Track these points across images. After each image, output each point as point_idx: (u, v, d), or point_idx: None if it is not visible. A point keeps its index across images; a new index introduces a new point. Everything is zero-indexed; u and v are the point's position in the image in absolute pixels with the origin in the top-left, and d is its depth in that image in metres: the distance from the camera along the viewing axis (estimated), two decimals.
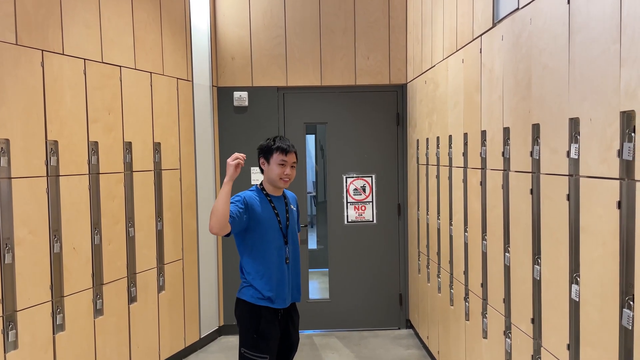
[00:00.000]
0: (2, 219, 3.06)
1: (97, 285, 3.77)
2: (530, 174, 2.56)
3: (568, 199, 2.20)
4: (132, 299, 4.13)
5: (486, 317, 3.22)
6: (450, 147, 3.88)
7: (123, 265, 4.04)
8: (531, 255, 2.57)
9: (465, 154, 3.54)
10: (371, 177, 5.57)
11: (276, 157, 3.06)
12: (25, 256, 3.20)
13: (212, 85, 5.34)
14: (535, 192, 2.52)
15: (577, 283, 2.16)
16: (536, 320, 2.56)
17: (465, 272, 3.60)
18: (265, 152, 3.09)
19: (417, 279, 5.12)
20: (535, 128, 2.50)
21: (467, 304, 3.58)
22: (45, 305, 3.35)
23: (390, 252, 5.60)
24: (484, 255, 3.23)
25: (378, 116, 5.55)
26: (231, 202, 2.92)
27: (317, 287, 6.63)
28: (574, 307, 2.19)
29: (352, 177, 5.57)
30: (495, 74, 3.00)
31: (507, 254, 2.87)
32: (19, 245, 3.16)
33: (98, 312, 3.78)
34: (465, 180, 3.56)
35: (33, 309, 3.25)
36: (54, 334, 3.40)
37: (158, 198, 4.48)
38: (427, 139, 4.58)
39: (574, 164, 2.16)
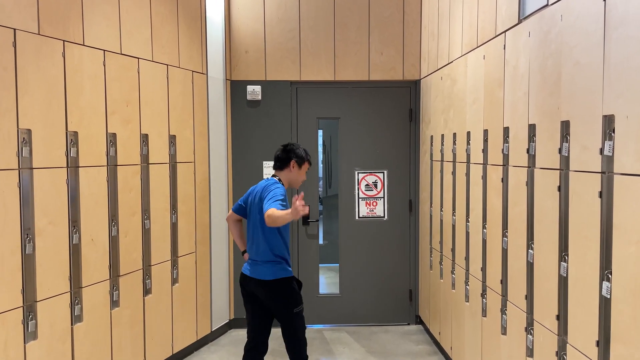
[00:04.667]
0: (23, 209, 3.06)
1: (113, 277, 3.77)
2: (558, 171, 2.56)
3: (600, 196, 2.20)
4: (147, 291, 4.13)
5: (505, 314, 3.23)
6: (468, 143, 3.88)
7: (139, 257, 4.04)
8: (557, 252, 2.58)
9: (485, 151, 3.54)
10: (383, 172, 5.57)
11: (305, 167, 3.77)
12: (46, 247, 3.20)
13: (226, 79, 5.33)
14: (563, 189, 2.52)
15: (609, 280, 2.16)
16: (562, 317, 2.56)
17: (483, 269, 3.61)
18: (300, 160, 3.72)
19: (428, 275, 5.13)
20: (565, 125, 2.50)
21: (484, 300, 3.59)
22: (64, 296, 3.35)
23: (401, 248, 5.61)
24: (504, 251, 3.24)
25: (391, 112, 5.55)
26: (282, 199, 3.44)
27: (324, 282, 6.64)
28: (605, 304, 2.19)
29: (364, 172, 5.57)
30: (520, 70, 2.99)
31: (530, 250, 2.88)
32: (40, 236, 3.16)
33: (114, 303, 3.78)
34: (484, 177, 3.56)
35: (52, 300, 3.25)
36: (72, 324, 3.40)
37: (173, 191, 4.48)
38: (442, 135, 4.57)
39: (608, 161, 2.16)
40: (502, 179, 3.24)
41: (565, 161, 2.50)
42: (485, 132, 3.52)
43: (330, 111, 5.59)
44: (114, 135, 3.77)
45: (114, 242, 3.78)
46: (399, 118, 5.55)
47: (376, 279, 5.61)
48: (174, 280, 4.50)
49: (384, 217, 5.59)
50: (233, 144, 5.43)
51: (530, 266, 2.89)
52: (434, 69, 4.87)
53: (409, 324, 5.63)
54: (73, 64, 3.41)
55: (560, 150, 2.54)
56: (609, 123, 2.15)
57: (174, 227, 4.49)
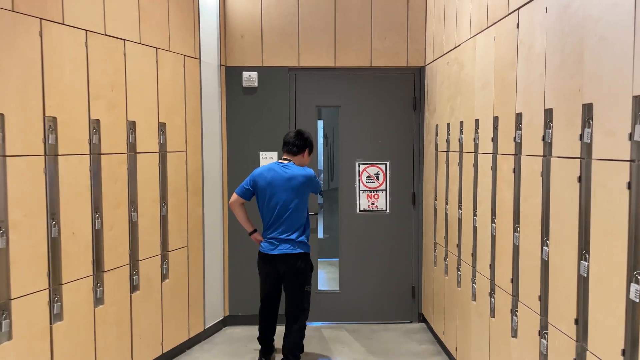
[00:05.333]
0: None
1: (97, 272, 3.54)
2: (579, 159, 2.31)
3: (629, 187, 1.96)
4: (134, 287, 3.90)
5: (516, 315, 2.99)
6: (476, 132, 3.63)
7: (125, 252, 3.81)
8: (577, 250, 2.33)
9: (495, 139, 3.29)
10: (385, 164, 5.32)
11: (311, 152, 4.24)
12: (21, 241, 2.97)
13: (220, 64, 5.08)
14: (584, 179, 2.27)
15: (638, 282, 1.92)
16: (581, 321, 2.32)
17: (492, 266, 3.36)
18: (312, 149, 4.18)
19: (432, 272, 4.89)
20: (587, 108, 2.25)
21: (492, 299, 3.35)
22: (42, 294, 3.12)
23: (404, 243, 5.36)
24: (516, 248, 2.99)
25: (394, 100, 5.29)
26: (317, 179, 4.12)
27: (324, 277, 6.42)
28: (632, 308, 1.95)
29: (366, 163, 5.32)
30: (535, 50, 2.74)
31: (545, 247, 2.63)
32: (14, 229, 2.93)
33: (98, 301, 3.55)
34: (494, 168, 3.31)
35: (29, 297, 3.02)
36: (51, 323, 3.17)
37: (162, 182, 4.24)
38: (448, 124, 4.32)
39: (638, 147, 1.91)
40: (514, 169, 3.00)
41: (587, 149, 2.25)
42: (496, 119, 3.27)
43: (330, 99, 5.34)
44: (98, 121, 3.53)
45: (97, 235, 3.54)
46: (402, 106, 5.29)
47: (377, 275, 5.37)
48: (164, 276, 4.27)
49: (386, 210, 5.34)
50: (228, 132, 5.19)
51: (545, 264, 2.65)
52: (440, 54, 4.61)
53: (411, 322, 5.40)
54: (51, 44, 3.17)
55: (581, 137, 2.29)
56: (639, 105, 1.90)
57: (163, 220, 4.25)
